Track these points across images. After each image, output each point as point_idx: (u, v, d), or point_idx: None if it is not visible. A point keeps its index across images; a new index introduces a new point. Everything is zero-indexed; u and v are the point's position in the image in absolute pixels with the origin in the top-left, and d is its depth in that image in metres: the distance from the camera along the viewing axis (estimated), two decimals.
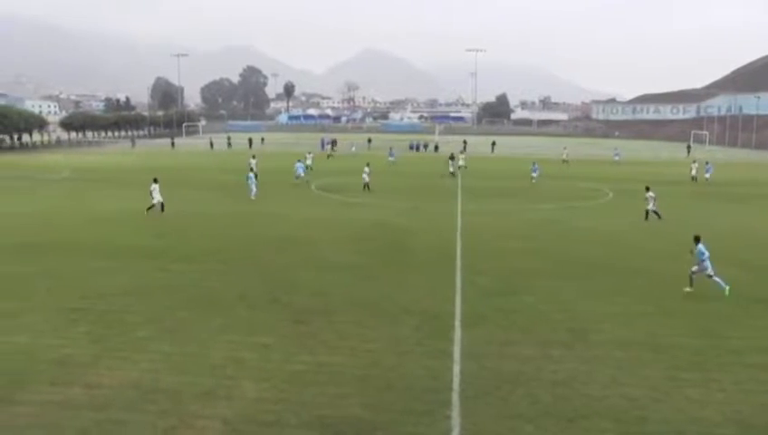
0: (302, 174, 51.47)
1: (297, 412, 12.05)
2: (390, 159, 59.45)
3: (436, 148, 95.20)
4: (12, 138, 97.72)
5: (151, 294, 19.78)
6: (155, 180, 34.61)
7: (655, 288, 20.78)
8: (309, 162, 58.15)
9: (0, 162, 71.80)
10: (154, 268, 23.06)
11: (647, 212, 34.09)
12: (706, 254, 20.10)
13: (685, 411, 12.18)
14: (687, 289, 20.16)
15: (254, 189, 41.22)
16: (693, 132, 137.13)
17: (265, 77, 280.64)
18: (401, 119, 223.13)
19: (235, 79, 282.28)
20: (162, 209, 34.23)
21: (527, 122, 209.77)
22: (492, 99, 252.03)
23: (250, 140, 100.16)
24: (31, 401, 12.56)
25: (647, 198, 34.30)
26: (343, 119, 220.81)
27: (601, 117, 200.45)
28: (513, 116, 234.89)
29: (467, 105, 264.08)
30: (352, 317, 17.55)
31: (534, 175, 53.89)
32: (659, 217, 33.68)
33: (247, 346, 15.37)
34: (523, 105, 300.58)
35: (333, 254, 25.38)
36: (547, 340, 15.87)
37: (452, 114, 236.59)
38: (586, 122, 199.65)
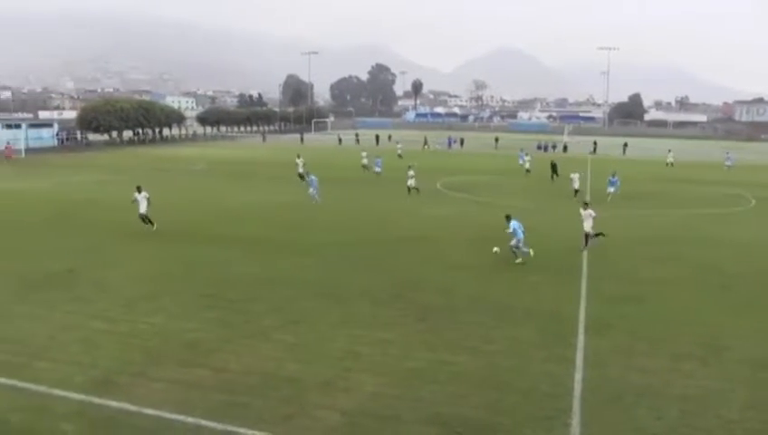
0: (379, 170, 51.83)
1: (414, 408, 12.10)
2: (520, 162, 57.89)
3: (565, 148, 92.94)
4: (154, 131, 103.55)
5: (277, 285, 20.44)
6: (138, 189, 29.22)
7: None
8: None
9: (143, 154, 76.21)
10: (281, 259, 23.83)
11: None
12: (519, 230, 23.30)
13: None
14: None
15: (313, 191, 38.01)
16: None
17: (394, 75, 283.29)
18: (529, 118, 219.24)
19: (364, 76, 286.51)
20: (145, 222, 28.78)
21: (662, 124, 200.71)
22: (624, 99, 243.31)
23: (377, 137, 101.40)
24: (164, 379, 13.32)
25: None
26: (471, 117, 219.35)
27: (745, 118, 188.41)
28: (646, 117, 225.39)
29: (598, 105, 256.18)
30: (474, 317, 17.44)
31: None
32: None
33: (368, 340, 15.58)
34: (658, 105, 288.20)
35: (457, 252, 25.29)
36: (677, 352, 15.13)
37: (581, 114, 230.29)
38: (728, 124, 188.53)
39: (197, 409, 11.98)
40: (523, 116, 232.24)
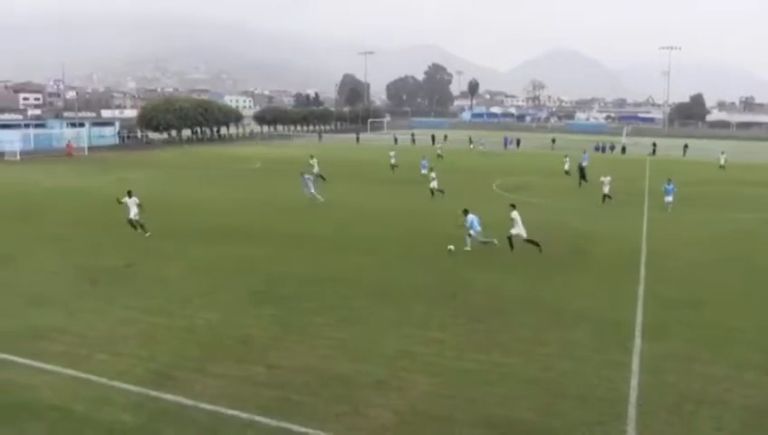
0: (425, 171, 50.28)
1: (467, 410, 12.05)
2: (584, 163, 56.39)
3: (624, 150, 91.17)
4: (212, 130, 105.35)
5: (330, 283, 20.59)
6: (129, 193, 28.10)
7: None
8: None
9: (200, 152, 77.60)
10: (333, 257, 24.02)
11: None
12: (475, 223, 24.95)
13: None
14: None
15: (311, 189, 37.70)
16: None
17: (450, 75, 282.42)
18: (587, 118, 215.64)
19: (420, 76, 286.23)
20: (134, 227, 27.65)
21: (725, 125, 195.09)
22: (685, 99, 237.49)
23: (433, 137, 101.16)
24: (219, 374, 13.55)
25: None
26: (527, 118, 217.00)
27: None
28: (708, 118, 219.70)
29: (658, 106, 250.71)
30: (528, 319, 17.27)
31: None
32: None
33: (421, 340, 15.57)
34: (721, 106, 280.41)
35: (509, 253, 25.05)
36: (739, 360, 14.68)
37: (641, 115, 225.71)
38: None
39: (251, 404, 12.14)
40: (581, 116, 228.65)
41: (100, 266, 22.32)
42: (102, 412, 11.91)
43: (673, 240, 28.56)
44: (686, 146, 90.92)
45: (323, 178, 45.27)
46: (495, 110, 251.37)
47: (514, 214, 25.08)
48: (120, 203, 27.86)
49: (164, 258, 23.73)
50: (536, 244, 24.95)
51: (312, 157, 49.20)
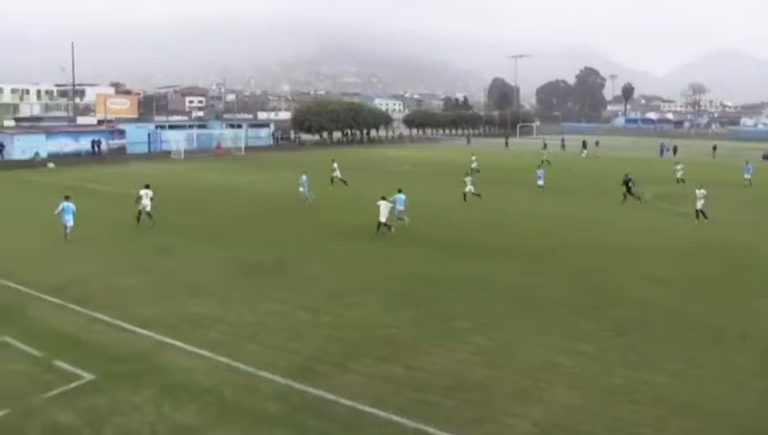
0: (542, 183, 46.11)
1: (611, 428, 11.57)
2: (746, 176, 52.18)
3: None
4: (362, 132, 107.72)
5: (473, 287, 20.46)
6: (146, 186, 30.34)
7: None
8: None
9: (351, 154, 79.40)
10: (477, 262, 23.83)
11: None
12: (399, 201, 29.57)
13: None
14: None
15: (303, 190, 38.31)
16: None
17: (603, 79, 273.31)
18: (755, 125, 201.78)
19: (572, 80, 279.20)
20: (140, 217, 29.56)
21: None
22: None
23: (584, 143, 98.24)
24: (361, 371, 13.82)
25: None
26: (686, 124, 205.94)
27: None
28: None
29: None
30: (681, 337, 16.33)
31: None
32: None
33: (564, 351, 15.12)
34: None
35: (659, 265, 23.83)
36: None
37: None
38: None
39: (390, 403, 12.26)
40: (747, 122, 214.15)
41: (253, 260, 23.39)
42: (250, 399, 12.48)
43: None
44: None
45: (345, 184, 44.99)
46: (651, 115, 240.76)
47: (383, 202, 28.14)
48: (138, 200, 29.71)
49: (314, 256, 24.51)
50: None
51: (333, 160, 48.97)
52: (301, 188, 38.57)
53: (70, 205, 26.69)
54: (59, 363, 13.88)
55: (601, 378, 13.72)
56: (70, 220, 26.49)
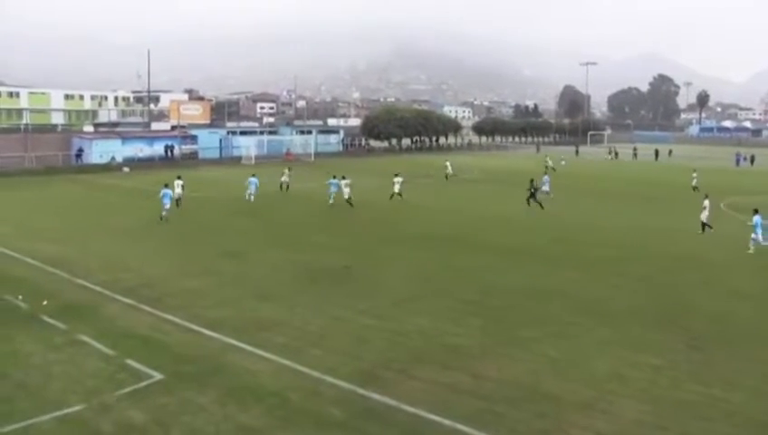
0: (547, 189, 46.16)
1: None
2: None
3: None
4: (431, 139, 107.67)
5: (540, 296, 20.19)
6: (178, 177, 36.88)
7: None
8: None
9: (419, 161, 79.43)
10: (545, 271, 23.52)
11: None
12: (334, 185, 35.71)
13: None
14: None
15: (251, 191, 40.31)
16: None
17: (677, 86, 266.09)
18: None
19: (644, 88, 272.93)
20: (177, 205, 35.01)
21: None
22: None
23: (656, 152, 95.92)
24: (425, 379, 13.79)
25: None
26: (765, 132, 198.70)
27: None
28: None
29: None
30: (757, 353, 15.73)
31: None
32: None
33: (634, 364, 14.76)
34: None
35: (735, 278, 23.07)
36: None
37: None
38: None
39: (454, 412, 12.19)
40: None
41: (320, 266, 23.62)
42: (314, 404, 12.59)
43: None
44: None
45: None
46: (727, 123, 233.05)
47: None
48: (167, 186, 33.12)
49: (381, 262, 24.64)
50: None
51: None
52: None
53: (168, 191, 32.64)
54: (130, 362, 14.32)
55: (671, 392, 13.33)
56: (167, 203, 32.30)
